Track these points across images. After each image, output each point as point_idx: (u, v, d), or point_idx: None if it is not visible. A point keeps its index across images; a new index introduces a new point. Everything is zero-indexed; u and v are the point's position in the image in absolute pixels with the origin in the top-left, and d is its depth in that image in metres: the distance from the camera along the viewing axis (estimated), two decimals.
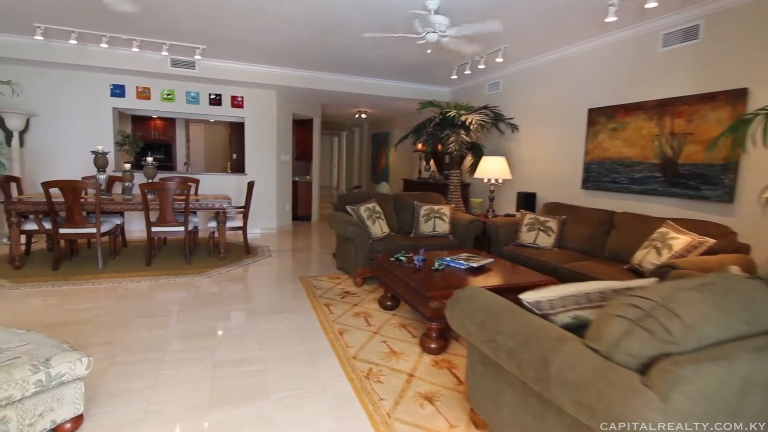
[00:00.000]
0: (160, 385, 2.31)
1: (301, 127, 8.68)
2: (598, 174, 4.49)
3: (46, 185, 4.26)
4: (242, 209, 5.54)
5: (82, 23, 4.62)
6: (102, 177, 4.92)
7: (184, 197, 4.71)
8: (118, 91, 6.19)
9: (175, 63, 5.84)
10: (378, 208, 4.56)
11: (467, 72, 5.67)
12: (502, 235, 4.46)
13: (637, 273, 3.21)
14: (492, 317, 1.63)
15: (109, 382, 2.33)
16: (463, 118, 5.39)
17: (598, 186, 4.49)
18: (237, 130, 10.33)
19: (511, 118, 5.71)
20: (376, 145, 11.45)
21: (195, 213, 5.29)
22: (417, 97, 7.27)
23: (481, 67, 5.32)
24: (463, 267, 3.20)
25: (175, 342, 2.84)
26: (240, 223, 5.41)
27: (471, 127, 5.30)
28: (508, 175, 5.15)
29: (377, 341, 2.94)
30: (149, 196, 4.72)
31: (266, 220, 7.24)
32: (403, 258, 3.33)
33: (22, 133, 5.68)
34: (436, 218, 4.73)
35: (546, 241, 4.24)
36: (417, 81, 7.04)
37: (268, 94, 6.97)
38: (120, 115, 9.15)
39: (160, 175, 6.26)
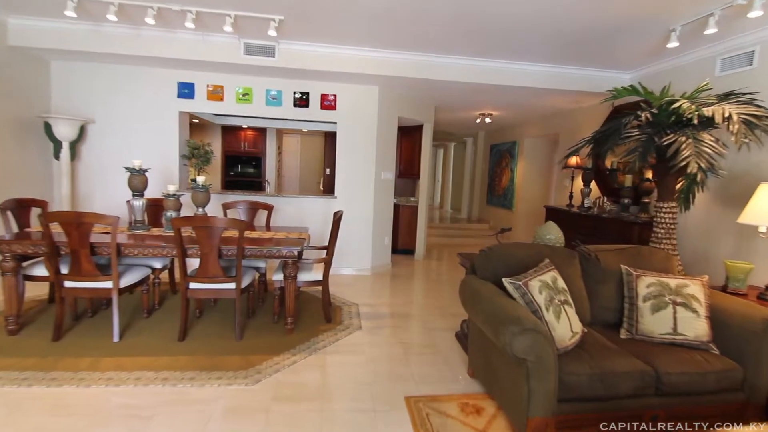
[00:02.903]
0: None
1: (407, 136, 6.82)
2: None
3: (45, 218, 2.89)
4: (323, 253, 3.77)
5: None
6: (138, 204, 3.52)
7: (238, 238, 3.06)
8: (186, 90, 4.92)
9: (250, 49, 4.35)
10: (561, 282, 2.37)
11: (709, 31, 3.22)
12: None
13: None
14: None
15: None
16: (707, 111, 2.95)
17: None
18: (332, 140, 8.93)
19: None
20: (495, 159, 9.16)
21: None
22: (575, 88, 4.97)
23: (755, 14, 2.85)
24: None
25: None
26: (318, 276, 3.62)
27: (731, 128, 2.83)
28: None
29: None
30: (182, 232, 3.17)
31: (359, 258, 5.45)
32: None
33: (74, 144, 4.64)
34: (678, 306, 2.37)
35: None
36: (581, 63, 4.71)
37: (368, 91, 5.22)
38: (209, 125, 8.27)
39: (233, 197, 4.85)
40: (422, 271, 5.87)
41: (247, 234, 3.59)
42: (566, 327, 2.19)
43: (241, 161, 8.71)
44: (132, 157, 4.74)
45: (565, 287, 2.38)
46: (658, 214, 3.52)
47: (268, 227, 4.22)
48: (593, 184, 5.52)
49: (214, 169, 8.50)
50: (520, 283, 2.22)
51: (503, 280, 2.28)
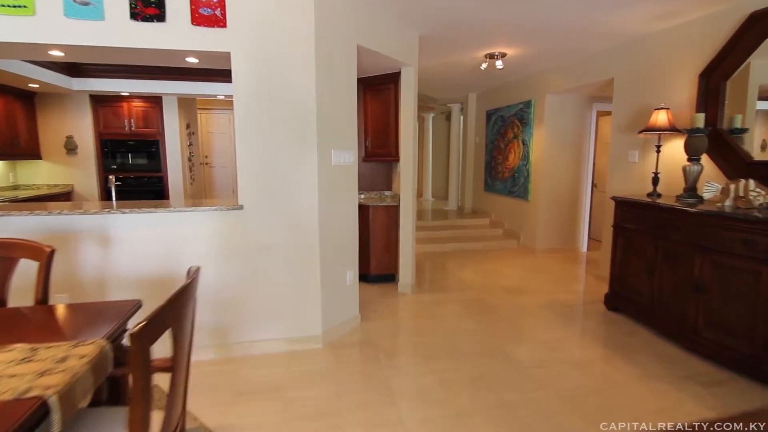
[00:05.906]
0: None
1: (374, 93, 4.25)
2: None
3: None
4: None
5: None
6: None
7: None
8: None
9: None
10: None
11: None
12: None
13: None
14: None
15: None
16: None
17: None
18: None
19: None
20: (497, 129, 6.72)
21: None
22: None
23: None
24: None
25: None
26: None
27: None
28: None
29: None
30: None
31: (297, 320, 2.88)
32: None
33: None
34: None
35: None
36: None
37: None
38: (67, 96, 4.93)
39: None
40: (419, 327, 3.37)
41: None
42: None
43: (130, 149, 5.86)
44: None
45: None
46: None
47: (40, 303, 1.61)
48: (705, 158, 3.18)
49: (85, 163, 5.65)
50: None
51: None
